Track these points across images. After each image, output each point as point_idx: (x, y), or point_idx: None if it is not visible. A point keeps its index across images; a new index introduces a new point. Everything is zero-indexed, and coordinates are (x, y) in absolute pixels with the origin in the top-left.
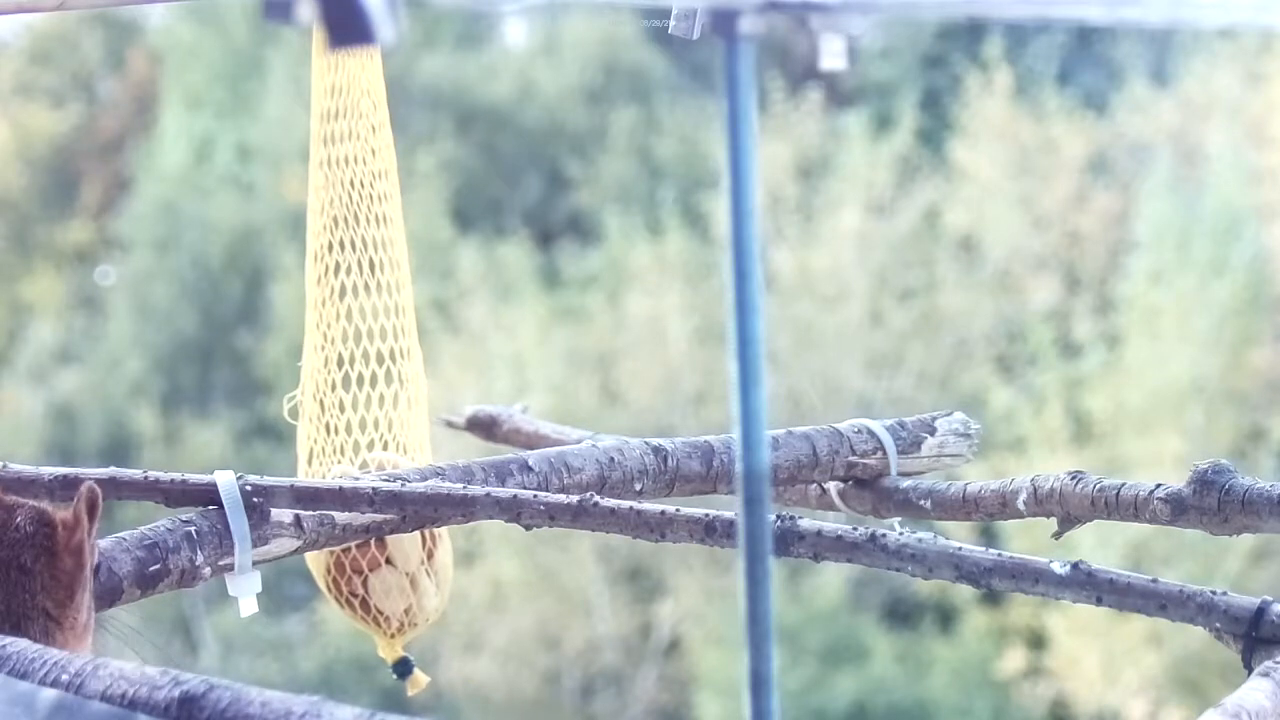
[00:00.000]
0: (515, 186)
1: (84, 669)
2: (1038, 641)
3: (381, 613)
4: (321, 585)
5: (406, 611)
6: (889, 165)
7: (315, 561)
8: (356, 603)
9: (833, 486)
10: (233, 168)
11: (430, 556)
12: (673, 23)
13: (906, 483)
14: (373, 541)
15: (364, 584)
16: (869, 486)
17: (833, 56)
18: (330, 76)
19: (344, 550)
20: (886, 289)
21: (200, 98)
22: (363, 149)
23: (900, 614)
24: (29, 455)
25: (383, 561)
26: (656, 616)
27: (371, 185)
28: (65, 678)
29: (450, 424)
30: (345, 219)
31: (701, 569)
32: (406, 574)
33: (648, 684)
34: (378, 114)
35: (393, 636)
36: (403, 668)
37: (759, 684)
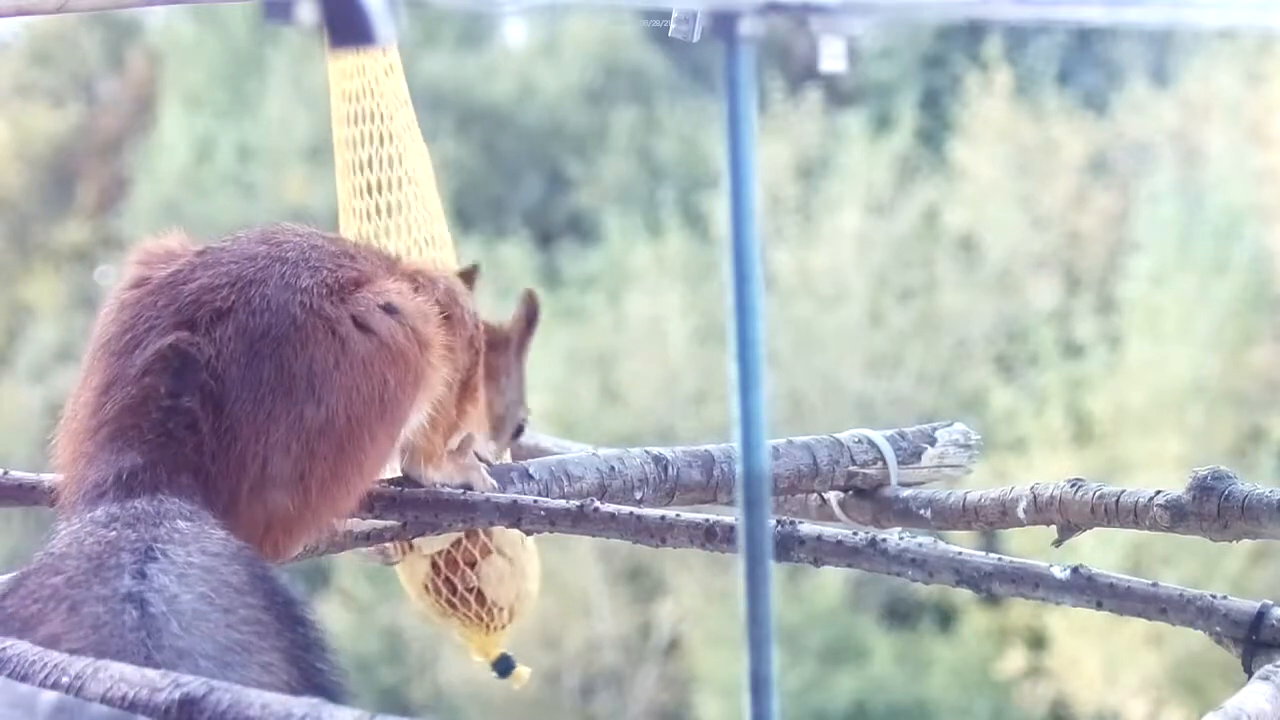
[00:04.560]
0: (515, 186)
1: (84, 671)
2: (1038, 642)
3: (495, 603)
4: (416, 592)
5: (517, 597)
6: (889, 165)
7: (412, 571)
8: (472, 596)
9: (833, 497)
10: (233, 168)
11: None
12: (673, 25)
13: (907, 492)
14: (474, 534)
15: (477, 574)
16: (869, 497)
17: (832, 59)
18: (350, 81)
19: (454, 544)
20: (886, 289)
21: (200, 98)
22: (386, 154)
23: (900, 614)
24: (28, 455)
25: (492, 549)
26: (656, 616)
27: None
28: (65, 680)
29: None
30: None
31: (701, 569)
32: (511, 559)
33: (648, 684)
34: (399, 119)
35: (502, 628)
36: (504, 664)
37: (759, 684)
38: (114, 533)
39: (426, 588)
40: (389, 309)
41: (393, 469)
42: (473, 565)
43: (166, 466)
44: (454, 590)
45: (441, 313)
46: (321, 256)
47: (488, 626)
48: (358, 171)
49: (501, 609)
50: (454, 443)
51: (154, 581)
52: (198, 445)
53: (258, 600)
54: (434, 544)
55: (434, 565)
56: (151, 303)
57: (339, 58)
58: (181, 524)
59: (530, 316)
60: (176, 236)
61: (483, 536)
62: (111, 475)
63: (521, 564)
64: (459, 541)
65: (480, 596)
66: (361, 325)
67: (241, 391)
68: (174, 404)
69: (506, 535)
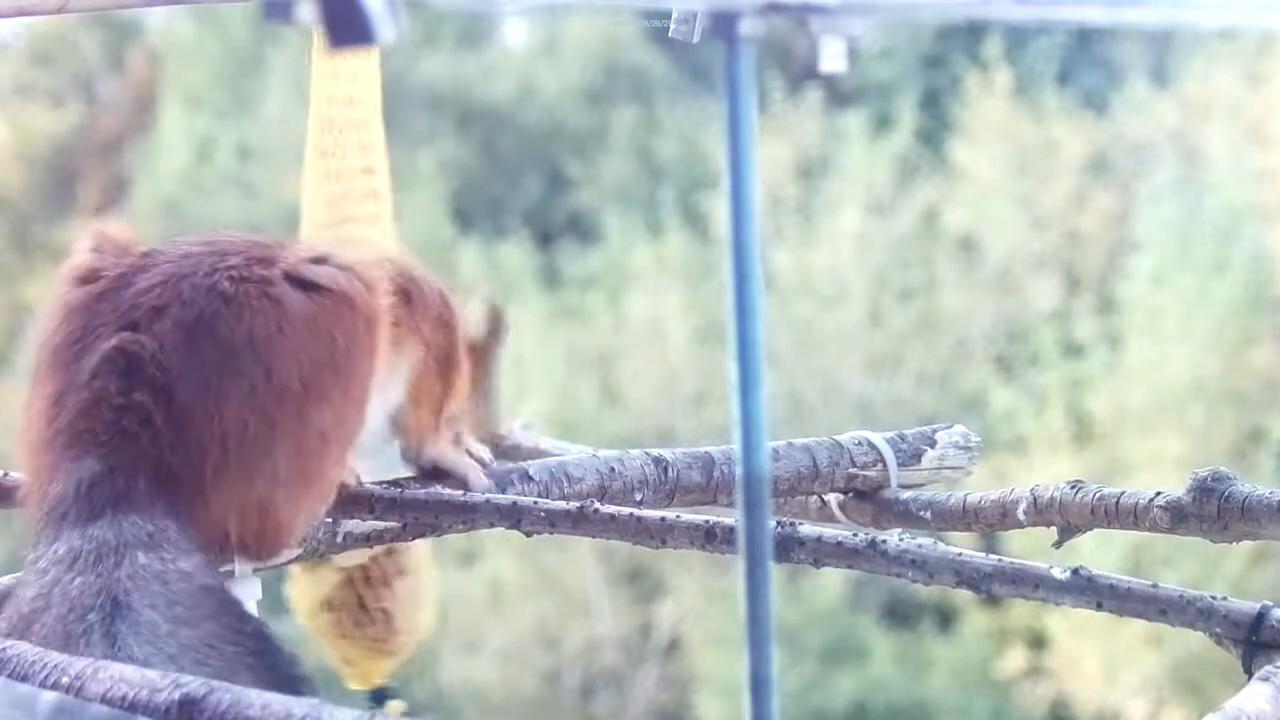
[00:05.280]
0: (515, 186)
1: (84, 671)
2: (1038, 642)
3: (402, 625)
4: (309, 608)
5: (413, 625)
6: (889, 165)
7: (313, 585)
8: (380, 616)
9: (833, 499)
10: (233, 168)
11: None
12: (673, 26)
13: (907, 494)
14: (394, 551)
15: (391, 593)
16: (869, 498)
17: (832, 59)
18: (331, 85)
19: (372, 560)
20: (886, 289)
21: (200, 98)
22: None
23: (900, 614)
24: None
25: (401, 571)
26: (656, 616)
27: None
28: (65, 680)
29: None
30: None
31: (701, 569)
32: (419, 583)
33: (648, 684)
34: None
35: (392, 654)
36: (380, 695)
37: (759, 684)
38: (79, 579)
39: (329, 604)
40: (322, 259)
41: (392, 470)
42: (386, 584)
43: (125, 471)
44: (363, 608)
45: (398, 295)
46: (254, 246)
47: (381, 650)
48: (332, 180)
49: (400, 633)
50: (447, 418)
51: (122, 643)
52: (154, 438)
53: (230, 648)
54: (352, 558)
55: (349, 580)
56: (97, 309)
57: (329, 58)
58: (142, 557)
59: (494, 330)
60: (128, 230)
61: (399, 556)
62: (72, 489)
63: (423, 591)
64: (376, 558)
65: (387, 616)
66: (295, 279)
67: (188, 377)
68: (125, 401)
69: (416, 559)
